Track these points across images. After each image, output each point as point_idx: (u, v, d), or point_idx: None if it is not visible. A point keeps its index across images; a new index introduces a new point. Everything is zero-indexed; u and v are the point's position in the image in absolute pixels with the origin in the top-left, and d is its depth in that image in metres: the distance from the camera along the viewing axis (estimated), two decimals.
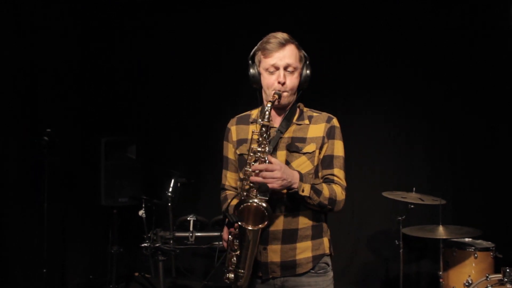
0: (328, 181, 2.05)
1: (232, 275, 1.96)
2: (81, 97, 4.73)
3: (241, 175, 2.02)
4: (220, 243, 3.93)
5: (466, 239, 3.93)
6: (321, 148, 2.07)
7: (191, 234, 3.93)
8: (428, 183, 4.48)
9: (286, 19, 4.71)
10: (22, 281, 4.05)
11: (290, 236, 2.02)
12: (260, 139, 1.91)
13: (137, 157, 4.63)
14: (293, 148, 2.04)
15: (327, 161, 2.07)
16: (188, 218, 3.99)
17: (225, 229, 2.01)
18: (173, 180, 3.89)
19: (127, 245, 4.57)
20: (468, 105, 4.53)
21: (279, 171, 1.86)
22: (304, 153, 2.04)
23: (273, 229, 2.01)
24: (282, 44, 2.00)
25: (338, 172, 2.06)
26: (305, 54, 2.10)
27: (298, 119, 2.11)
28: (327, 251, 2.10)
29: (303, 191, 1.93)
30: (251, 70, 2.10)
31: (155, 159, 5.01)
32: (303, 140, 2.06)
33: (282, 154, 2.04)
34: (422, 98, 4.64)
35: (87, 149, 4.60)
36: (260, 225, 1.89)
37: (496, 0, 4.43)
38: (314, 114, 2.14)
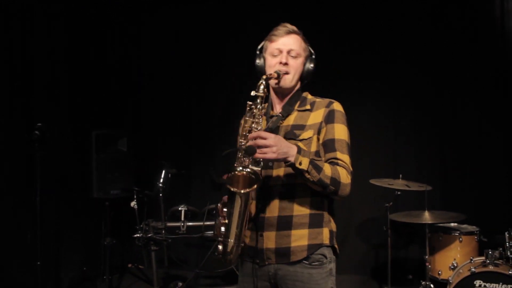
0: (333, 164, 1.97)
1: (221, 247, 1.92)
2: (72, 90, 4.73)
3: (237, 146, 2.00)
4: (211, 232, 4.04)
5: (452, 224, 4.02)
6: (319, 133, 2.03)
7: (182, 224, 3.98)
8: (414, 170, 4.57)
9: (280, 12, 4.80)
10: (17, 275, 4.09)
11: (285, 223, 1.99)
12: (255, 110, 1.93)
13: (128, 150, 4.67)
14: (290, 135, 2.02)
15: (328, 145, 2.01)
16: (180, 208, 4.05)
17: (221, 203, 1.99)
18: (163, 171, 3.95)
19: (120, 237, 4.63)
20: (453, 94, 4.63)
21: (272, 139, 1.83)
22: (301, 140, 2.01)
23: (268, 216, 2.00)
24: (289, 32, 2.08)
25: (342, 156, 1.99)
26: (311, 50, 2.16)
27: (300, 106, 2.11)
28: (326, 242, 2.02)
29: (300, 164, 1.86)
30: (257, 60, 2.15)
31: (146, 151, 5.05)
32: (302, 127, 2.05)
33: None
34: (409, 87, 4.73)
35: (78, 142, 4.63)
36: (248, 189, 1.84)
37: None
38: (317, 100, 2.14)
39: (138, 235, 3.89)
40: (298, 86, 2.15)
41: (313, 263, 1.99)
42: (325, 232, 2.03)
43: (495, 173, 4.47)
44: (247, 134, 1.90)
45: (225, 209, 1.92)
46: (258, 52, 2.16)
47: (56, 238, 4.53)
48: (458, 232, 3.81)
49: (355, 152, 5.00)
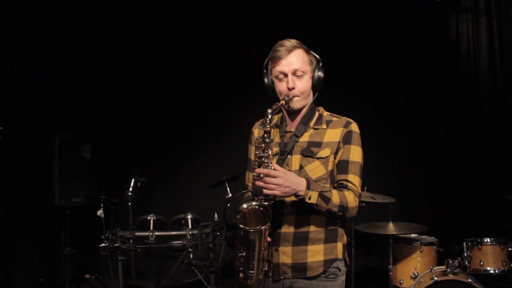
0: (342, 186, 2.06)
1: (242, 275, 2.00)
2: (34, 94, 4.57)
3: (251, 179, 2.09)
4: (179, 242, 4.01)
5: (412, 235, 4.19)
6: (336, 153, 2.07)
7: (151, 234, 3.92)
8: (376, 183, 4.73)
9: (243, 19, 4.86)
10: None
11: (301, 239, 2.04)
12: (263, 144, 1.96)
13: (92, 156, 4.55)
14: (308, 152, 2.07)
15: (342, 166, 2.06)
16: (148, 218, 3.99)
17: None
18: (133, 180, 3.88)
19: (80, 247, 4.48)
20: (412, 107, 4.86)
21: (281, 178, 1.90)
22: (318, 158, 2.06)
23: (284, 231, 2.05)
24: (289, 51, 2.05)
25: (353, 178, 2.05)
26: (317, 56, 2.15)
27: (316, 124, 2.13)
28: (340, 256, 2.09)
29: (309, 198, 1.95)
30: (265, 80, 2.16)
31: (110, 158, 4.95)
32: (318, 144, 2.08)
33: (296, 158, 2.08)
34: (369, 100, 4.90)
35: (41, 148, 4.46)
36: (260, 226, 1.92)
37: (440, 11, 4.82)
38: (334, 118, 2.15)
39: (104, 244, 3.78)
40: (311, 99, 2.17)
41: (329, 276, 2.06)
42: (339, 246, 2.11)
43: (451, 186, 4.73)
44: (257, 167, 1.97)
45: (241, 243, 2.00)
46: (264, 71, 2.17)
47: (12, 247, 4.33)
48: (419, 242, 3.97)
49: None
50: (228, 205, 2.13)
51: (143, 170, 4.18)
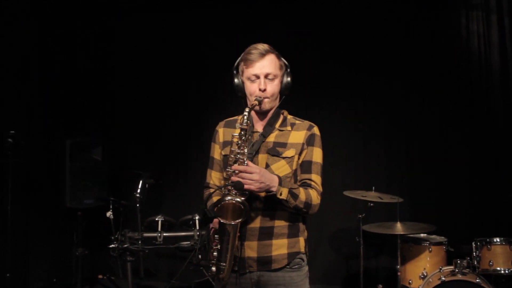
0: (306, 185, 2.19)
1: (214, 268, 2.07)
2: (45, 98, 4.67)
3: (224, 175, 2.18)
4: (187, 243, 4.05)
5: (421, 235, 4.15)
6: (300, 154, 2.21)
7: (159, 234, 3.98)
8: (385, 182, 4.71)
9: (249, 20, 4.88)
10: None
11: (266, 234, 2.15)
12: (240, 142, 2.05)
13: (103, 159, 4.63)
14: (274, 152, 2.18)
15: (306, 166, 2.21)
16: (156, 219, 4.05)
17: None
18: (141, 181, 3.94)
19: (92, 247, 4.56)
20: (423, 107, 4.80)
21: (257, 174, 2.01)
22: (284, 158, 2.18)
23: (250, 226, 2.14)
24: (262, 55, 2.16)
25: (316, 178, 2.21)
26: (286, 62, 2.26)
27: (281, 125, 2.26)
28: (302, 250, 2.22)
29: (281, 194, 2.06)
30: (235, 80, 2.25)
31: (120, 160, 5.01)
32: (284, 145, 2.20)
33: (263, 157, 2.19)
34: (380, 100, 4.87)
35: (52, 150, 4.55)
36: (237, 220, 2.01)
37: (449, 9, 4.77)
38: (297, 121, 2.29)
39: (113, 245, 3.85)
40: (278, 102, 2.28)
41: (294, 267, 2.19)
42: (301, 241, 2.24)
43: (461, 186, 4.66)
44: (232, 164, 2.06)
45: (216, 236, 2.08)
46: (234, 72, 2.26)
47: (26, 248, 4.42)
48: (428, 242, 3.94)
49: (328, 164, 5.14)
50: (212, 199, 2.18)
51: (152, 172, 4.23)
